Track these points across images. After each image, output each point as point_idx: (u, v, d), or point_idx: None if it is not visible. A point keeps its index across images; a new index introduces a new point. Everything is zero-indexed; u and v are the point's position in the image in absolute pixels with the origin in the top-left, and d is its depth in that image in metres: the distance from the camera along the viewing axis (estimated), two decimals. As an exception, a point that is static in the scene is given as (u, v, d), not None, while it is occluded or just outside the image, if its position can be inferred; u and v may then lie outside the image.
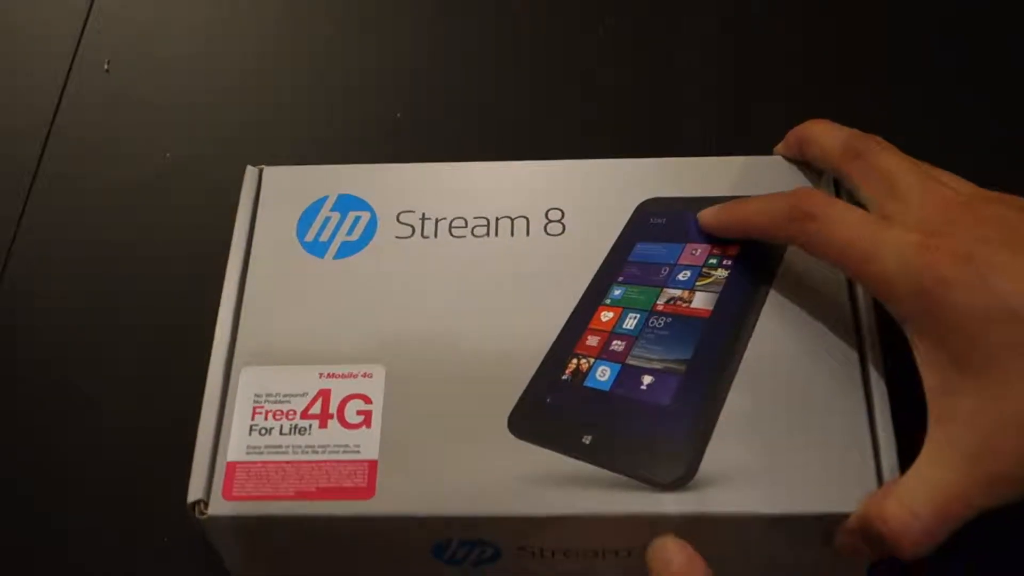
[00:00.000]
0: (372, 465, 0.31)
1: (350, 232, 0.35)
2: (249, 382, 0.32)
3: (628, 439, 0.30)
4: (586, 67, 0.47)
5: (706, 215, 0.34)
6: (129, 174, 0.45)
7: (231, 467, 0.31)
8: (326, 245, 0.35)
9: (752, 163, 0.36)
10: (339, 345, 0.33)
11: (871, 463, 0.30)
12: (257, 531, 0.31)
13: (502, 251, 0.35)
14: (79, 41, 0.49)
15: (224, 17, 0.50)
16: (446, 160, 0.45)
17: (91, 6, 0.50)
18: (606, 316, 0.33)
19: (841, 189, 0.34)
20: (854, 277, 0.31)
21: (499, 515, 0.30)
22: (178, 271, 0.43)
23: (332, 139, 0.46)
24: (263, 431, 0.31)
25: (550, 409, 0.31)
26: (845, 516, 0.29)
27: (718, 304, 0.33)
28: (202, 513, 0.30)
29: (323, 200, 0.36)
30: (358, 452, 0.31)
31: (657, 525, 0.29)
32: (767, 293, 0.33)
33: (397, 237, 0.35)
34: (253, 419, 0.32)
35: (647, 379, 0.31)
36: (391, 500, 0.30)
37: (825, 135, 0.34)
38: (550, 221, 0.35)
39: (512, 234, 0.35)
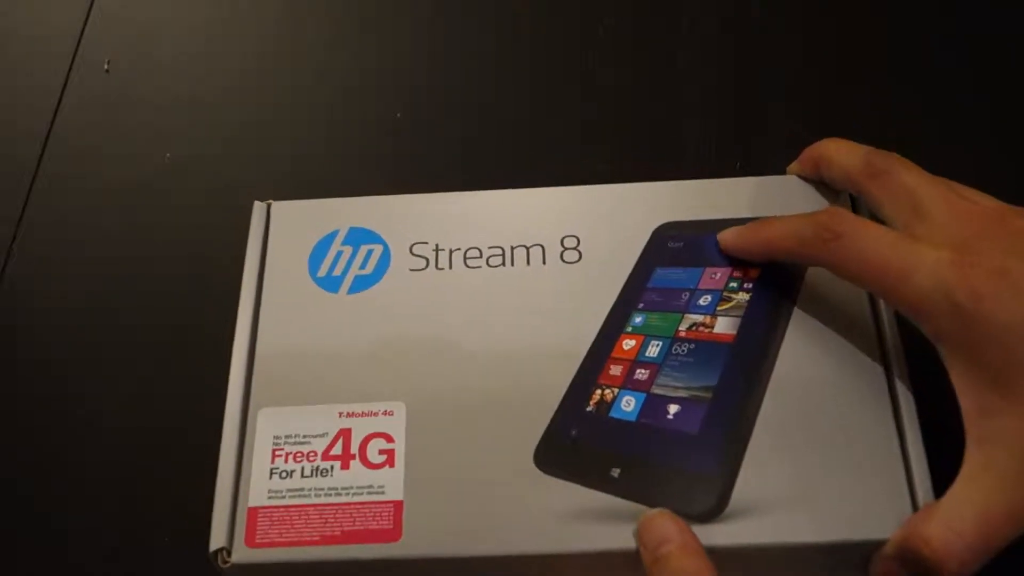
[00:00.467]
0: (398, 506, 0.30)
1: (363, 266, 0.35)
2: (267, 424, 0.32)
3: (657, 471, 0.30)
4: (586, 67, 0.47)
5: (727, 237, 0.34)
6: (129, 174, 0.45)
7: (252, 513, 0.30)
8: (339, 280, 0.35)
9: (767, 183, 0.36)
10: (358, 383, 0.32)
11: (904, 487, 0.29)
12: None
13: (519, 281, 0.34)
14: (79, 41, 0.49)
15: (224, 17, 0.50)
16: (446, 159, 0.45)
17: (91, 6, 0.50)
18: (628, 344, 0.33)
19: (859, 208, 0.34)
20: (885, 297, 0.30)
21: (529, 553, 0.29)
22: (178, 271, 0.43)
23: (332, 139, 0.46)
24: (284, 474, 0.31)
25: (576, 442, 0.31)
26: (881, 543, 0.28)
27: (741, 328, 0.32)
28: (225, 562, 0.30)
29: (334, 234, 0.36)
30: (383, 493, 0.30)
31: None
32: (790, 315, 0.32)
33: (411, 269, 0.35)
34: (273, 462, 0.31)
35: (673, 408, 0.31)
36: (419, 541, 0.30)
37: (843, 153, 0.33)
38: (566, 248, 0.35)
39: (528, 263, 0.35)
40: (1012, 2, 0.47)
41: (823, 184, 0.35)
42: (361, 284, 0.35)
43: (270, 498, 0.31)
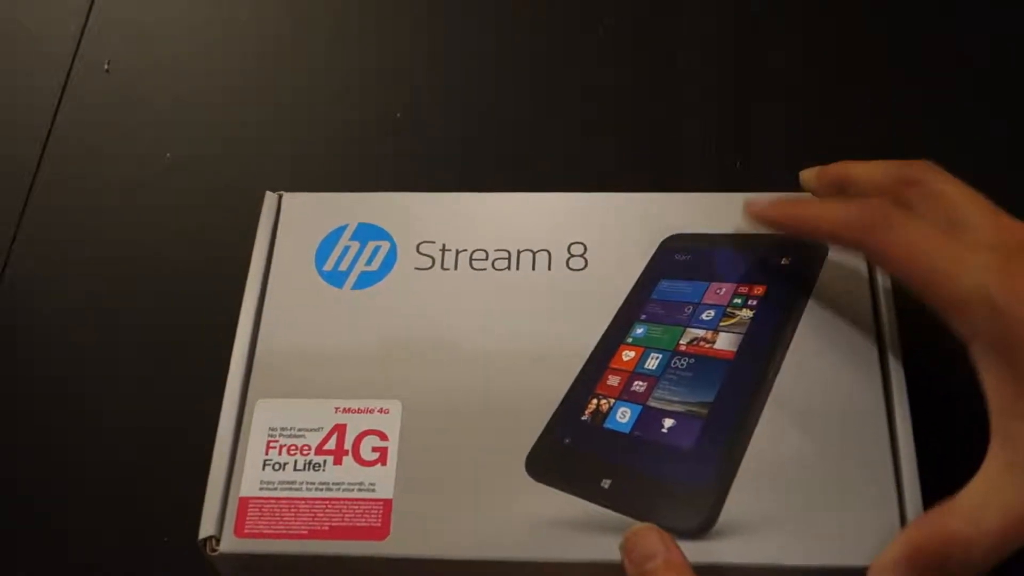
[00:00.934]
0: (387, 504, 0.30)
1: (369, 262, 0.35)
2: (264, 415, 0.32)
3: (648, 484, 0.30)
4: (586, 67, 0.47)
5: (757, 204, 0.33)
6: (129, 174, 0.45)
7: (243, 503, 0.31)
8: (345, 275, 0.35)
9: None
10: (356, 379, 0.33)
11: (896, 515, 0.29)
12: (269, 569, 0.31)
13: (523, 285, 0.34)
14: (79, 41, 0.49)
15: (224, 17, 0.50)
16: (446, 159, 0.45)
17: (91, 6, 0.50)
18: (628, 355, 0.33)
19: None
20: (924, 291, 0.30)
21: (514, 560, 0.29)
22: (178, 271, 0.43)
23: (332, 139, 0.46)
24: (277, 466, 0.31)
25: (569, 451, 0.31)
26: (866, 569, 0.28)
27: (742, 346, 0.32)
28: (213, 550, 0.30)
29: (343, 228, 0.36)
30: (373, 491, 0.31)
31: None
32: (792, 336, 0.32)
33: (417, 268, 0.35)
34: (267, 453, 0.31)
35: (668, 422, 0.31)
36: (405, 541, 0.30)
37: (871, 169, 0.33)
38: (572, 255, 0.35)
39: (533, 268, 0.35)
40: (1012, 2, 0.47)
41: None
42: (366, 280, 0.35)
43: (262, 489, 0.31)
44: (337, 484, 0.31)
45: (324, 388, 0.32)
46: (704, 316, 0.33)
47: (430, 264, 0.35)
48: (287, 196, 0.37)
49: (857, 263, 0.34)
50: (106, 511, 0.37)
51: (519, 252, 0.35)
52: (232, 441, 0.32)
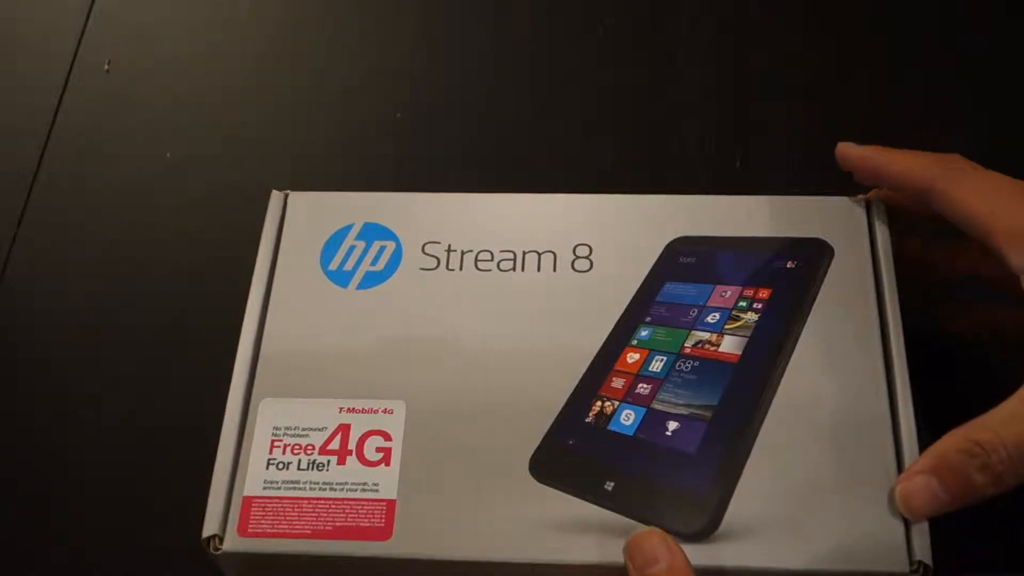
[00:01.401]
0: (390, 505, 0.30)
1: (375, 262, 0.35)
2: (268, 414, 0.32)
3: (651, 487, 0.30)
4: (586, 67, 0.47)
5: (848, 147, 0.34)
6: (129, 174, 0.45)
7: (247, 502, 0.31)
8: (350, 275, 0.35)
9: (786, 203, 0.35)
10: (360, 379, 0.32)
11: (899, 520, 0.29)
12: (271, 569, 0.31)
13: (528, 287, 0.34)
14: (79, 41, 0.49)
15: (224, 17, 0.50)
16: (446, 159, 0.45)
17: (91, 6, 0.50)
18: (632, 358, 0.33)
19: (878, 227, 0.34)
20: (983, 229, 0.30)
21: (517, 561, 0.29)
22: (178, 271, 0.43)
23: (332, 139, 0.46)
24: (281, 465, 0.31)
25: (572, 452, 0.31)
26: (873, 574, 0.28)
27: (747, 349, 0.32)
28: (216, 549, 0.30)
29: (348, 228, 0.36)
30: (376, 491, 0.31)
31: None
32: (797, 340, 0.32)
33: (422, 269, 0.35)
34: (271, 453, 0.31)
35: (672, 425, 0.31)
36: (408, 542, 0.30)
37: (909, 155, 0.34)
38: (577, 257, 0.35)
39: (538, 269, 0.34)
40: (1012, 2, 0.47)
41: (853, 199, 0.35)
42: (371, 280, 0.35)
43: (265, 489, 0.31)
44: (341, 484, 0.31)
45: (328, 388, 0.32)
46: (709, 319, 0.33)
47: (435, 264, 0.35)
48: (293, 195, 0.36)
49: (862, 265, 0.34)
50: (106, 511, 0.37)
51: (524, 253, 0.35)
52: (236, 440, 0.32)
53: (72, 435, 0.39)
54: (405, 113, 0.46)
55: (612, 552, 0.29)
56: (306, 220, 0.36)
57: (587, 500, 0.30)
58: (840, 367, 0.32)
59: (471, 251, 0.35)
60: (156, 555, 0.36)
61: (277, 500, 0.31)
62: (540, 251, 0.35)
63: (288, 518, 0.30)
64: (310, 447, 0.31)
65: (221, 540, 0.30)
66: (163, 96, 0.48)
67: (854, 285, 0.33)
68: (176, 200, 0.45)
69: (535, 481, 0.30)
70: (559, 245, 0.35)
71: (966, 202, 0.31)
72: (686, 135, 0.45)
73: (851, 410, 0.31)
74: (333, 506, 0.30)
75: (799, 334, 0.32)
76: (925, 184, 0.32)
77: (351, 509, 0.30)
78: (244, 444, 0.31)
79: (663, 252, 0.35)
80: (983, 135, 0.44)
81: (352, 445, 0.31)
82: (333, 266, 0.35)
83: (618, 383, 0.32)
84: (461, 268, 0.35)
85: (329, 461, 0.31)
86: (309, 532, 0.30)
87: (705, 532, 0.29)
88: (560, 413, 0.32)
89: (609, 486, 0.30)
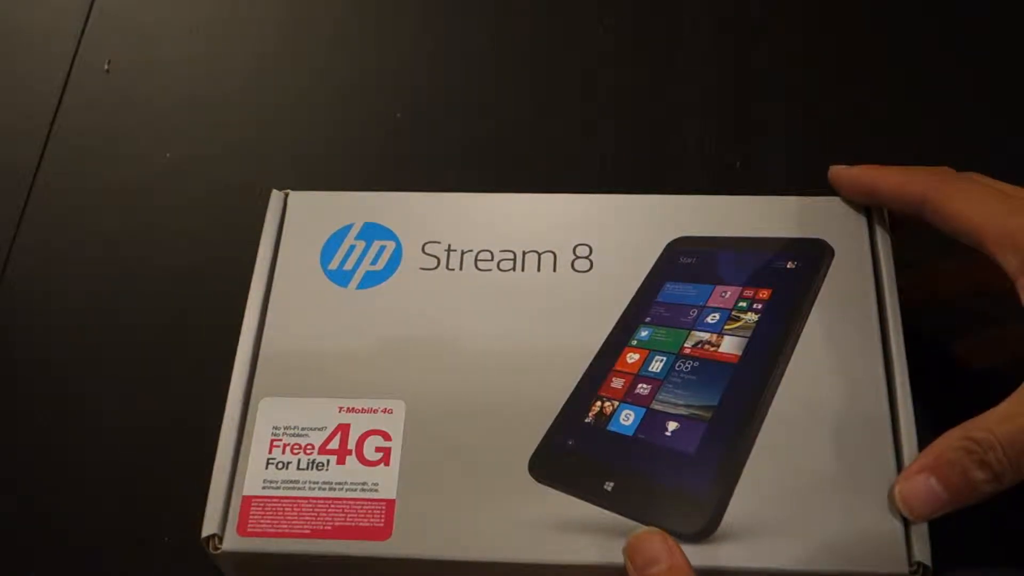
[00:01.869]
0: (390, 504, 0.30)
1: (375, 262, 0.35)
2: (267, 414, 0.32)
3: (650, 487, 0.30)
4: (586, 67, 0.47)
5: (839, 169, 0.35)
6: (129, 174, 0.45)
7: (247, 501, 0.31)
8: (350, 274, 0.35)
9: (785, 203, 0.35)
10: (359, 378, 0.33)
11: (899, 521, 0.29)
12: (271, 569, 0.31)
13: (528, 287, 0.34)
14: (79, 41, 0.49)
15: (224, 17, 0.50)
16: (446, 159, 0.45)
17: (91, 6, 0.50)
18: (632, 358, 0.33)
19: (878, 228, 0.34)
20: (977, 234, 0.31)
21: (516, 562, 0.29)
22: (178, 271, 0.43)
23: (332, 139, 0.46)
24: (280, 465, 0.31)
25: (572, 453, 0.31)
26: (869, 575, 0.28)
27: (747, 349, 0.32)
28: (216, 549, 0.30)
29: (348, 228, 0.36)
30: (376, 490, 0.31)
31: None
32: (797, 340, 0.32)
33: (422, 268, 0.35)
34: (271, 452, 0.31)
35: (672, 425, 0.31)
36: (408, 542, 0.30)
37: (898, 169, 0.34)
38: (577, 257, 0.35)
39: (539, 269, 0.35)
40: (1012, 2, 0.47)
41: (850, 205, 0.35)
42: (371, 280, 0.35)
43: (264, 488, 0.31)
44: (340, 484, 0.31)
45: (328, 387, 0.32)
46: (709, 319, 0.33)
47: (435, 264, 0.35)
48: (293, 195, 0.36)
49: (862, 265, 0.34)
50: (106, 511, 0.37)
51: (524, 253, 0.35)
52: (236, 440, 0.32)
53: (72, 435, 0.39)
54: (405, 113, 0.46)
55: (612, 552, 0.29)
56: (306, 220, 0.36)
57: (587, 500, 0.30)
58: (840, 367, 0.32)
59: (471, 251, 0.35)
60: (156, 555, 0.36)
61: (276, 500, 0.31)
62: (540, 251, 0.35)
63: (287, 518, 0.30)
64: (309, 447, 0.31)
65: (220, 539, 0.30)
66: (163, 96, 0.48)
67: (854, 285, 0.33)
68: (176, 200, 0.45)
69: (535, 481, 0.30)
70: (559, 245, 0.35)
71: (957, 212, 0.31)
72: (686, 135, 0.45)
73: (851, 410, 0.31)
74: (332, 506, 0.30)
75: (799, 334, 0.32)
76: (917, 198, 0.32)
77: (350, 509, 0.30)
78: (244, 443, 0.32)
79: (663, 252, 0.35)
80: (983, 135, 0.44)
81: (352, 445, 0.31)
82: (333, 266, 0.35)
83: (618, 383, 0.32)
84: (461, 268, 0.35)
85: (329, 461, 0.31)
86: (308, 532, 0.30)
87: (705, 532, 0.29)
88: (560, 413, 0.32)
89: (609, 486, 0.30)
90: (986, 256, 0.31)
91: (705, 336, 0.33)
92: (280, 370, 0.33)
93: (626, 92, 0.46)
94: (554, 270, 0.35)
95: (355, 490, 0.31)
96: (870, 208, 0.34)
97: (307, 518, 0.30)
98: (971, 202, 0.31)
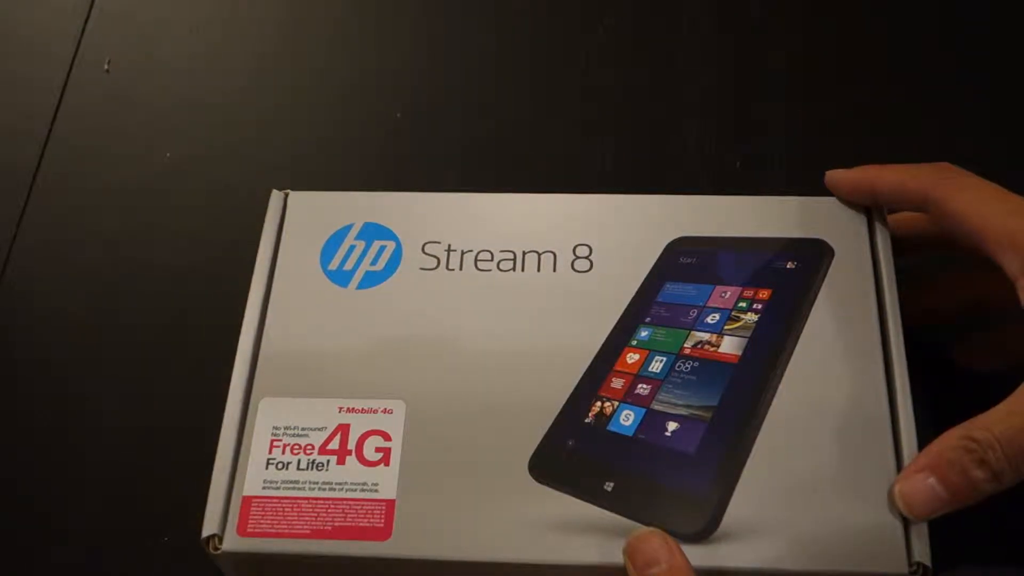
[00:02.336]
0: (390, 505, 0.30)
1: (374, 262, 0.35)
2: (267, 414, 0.32)
3: (650, 488, 0.30)
4: (586, 67, 0.47)
5: (836, 172, 0.35)
6: (129, 174, 0.45)
7: (247, 502, 0.31)
8: (350, 274, 0.35)
9: (785, 203, 0.35)
10: (360, 379, 0.33)
11: (899, 522, 0.29)
12: (271, 569, 0.31)
13: (528, 287, 0.34)
14: (79, 41, 0.49)
15: (224, 17, 0.50)
16: (446, 159, 0.45)
17: (91, 6, 0.50)
18: (632, 358, 0.33)
19: (878, 228, 0.34)
20: (978, 235, 0.31)
21: (516, 562, 0.29)
22: (178, 271, 0.43)
23: (332, 139, 0.46)
24: (280, 465, 0.31)
25: (572, 453, 0.31)
26: (869, 575, 0.28)
27: (747, 350, 0.32)
28: (216, 549, 0.30)
29: (348, 228, 0.36)
30: (376, 491, 0.31)
31: None
32: (797, 340, 0.32)
33: (422, 268, 0.35)
34: (271, 452, 0.31)
35: (672, 425, 0.31)
36: (408, 542, 0.30)
37: (898, 167, 0.34)
38: (577, 257, 0.35)
39: (538, 269, 0.35)
40: (1012, 2, 0.47)
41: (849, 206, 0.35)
42: (371, 280, 0.35)
43: (264, 488, 0.31)
44: (340, 484, 0.31)
45: (328, 388, 0.32)
46: (709, 319, 0.33)
47: (435, 264, 0.35)
48: (293, 195, 0.36)
49: (862, 265, 0.34)
50: (106, 511, 0.37)
51: (524, 253, 0.35)
52: (235, 440, 0.32)
53: (72, 435, 0.39)
54: (405, 113, 0.46)
55: (612, 552, 0.29)
56: (306, 220, 0.36)
57: (587, 500, 0.30)
58: (840, 367, 0.32)
59: (471, 251, 0.35)
60: (156, 555, 0.36)
61: (276, 500, 0.31)
62: (540, 251, 0.35)
63: (287, 518, 0.30)
64: (309, 447, 0.31)
65: (220, 540, 0.30)
66: (163, 96, 0.48)
67: (854, 285, 0.33)
68: (176, 200, 0.45)
69: (535, 481, 0.30)
70: (559, 245, 0.35)
71: (957, 211, 0.31)
72: (686, 135, 0.45)
73: (851, 410, 0.31)
74: (332, 506, 0.30)
75: (799, 334, 0.32)
76: (920, 195, 0.32)
77: (350, 509, 0.30)
78: (244, 444, 0.32)
79: (663, 252, 0.35)
80: (983, 135, 0.44)
81: (352, 445, 0.31)
82: (333, 266, 0.35)
83: (618, 383, 0.32)
84: (461, 268, 0.35)
85: (328, 461, 0.31)
86: (308, 532, 0.30)
87: (705, 532, 0.29)
88: (560, 413, 0.32)
89: (609, 486, 0.30)
90: (985, 270, 0.31)
91: (705, 336, 0.33)
92: (280, 370, 0.33)
93: (626, 92, 0.46)
94: (554, 270, 0.35)
95: (355, 490, 0.31)
96: (870, 208, 0.34)
97: (307, 518, 0.30)
98: (972, 202, 0.31)
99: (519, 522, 0.30)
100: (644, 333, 0.33)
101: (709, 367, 0.32)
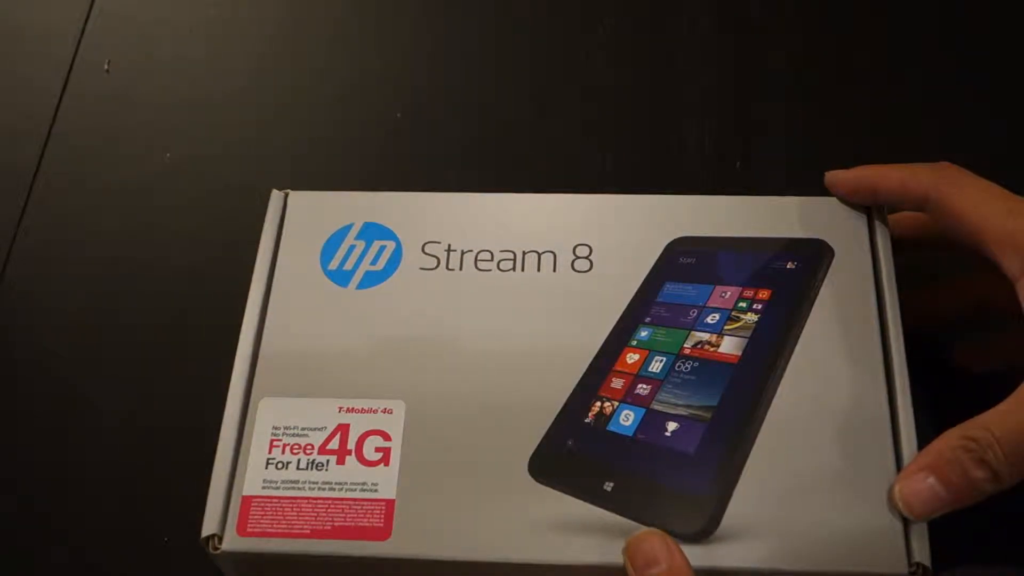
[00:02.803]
0: (389, 505, 0.30)
1: (374, 262, 0.35)
2: (267, 413, 0.32)
3: (650, 488, 0.30)
4: (586, 67, 0.47)
5: (836, 173, 0.35)
6: (129, 174, 0.45)
7: (247, 501, 0.31)
8: (350, 274, 0.35)
9: (785, 203, 0.35)
10: (359, 379, 0.33)
11: (899, 522, 0.29)
12: (270, 568, 0.31)
13: (527, 287, 0.34)
14: (79, 41, 0.49)
15: (224, 17, 0.50)
16: (446, 159, 0.45)
17: (91, 6, 0.50)
18: (632, 358, 0.33)
19: (878, 228, 0.34)
20: (978, 236, 0.31)
21: (515, 562, 0.29)
22: (178, 271, 0.43)
23: (332, 139, 0.46)
24: (280, 465, 0.31)
25: (571, 453, 0.31)
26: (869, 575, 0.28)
27: (747, 350, 0.32)
28: (216, 549, 0.30)
29: (348, 228, 0.36)
30: (376, 490, 0.31)
31: None
32: (797, 340, 0.32)
33: (422, 268, 0.35)
34: (270, 452, 0.31)
35: (672, 426, 0.31)
36: (407, 542, 0.30)
37: (895, 170, 0.34)
38: (577, 257, 0.35)
39: (538, 269, 0.35)
40: (1012, 2, 0.47)
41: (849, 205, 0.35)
42: (371, 280, 0.35)
43: (264, 488, 0.31)
44: (340, 484, 0.31)
45: (328, 388, 0.32)
46: (709, 319, 0.33)
47: (435, 264, 0.35)
48: (293, 195, 0.37)
49: (862, 265, 0.34)
50: (106, 511, 0.37)
51: (524, 253, 0.35)
52: (235, 440, 0.32)
53: (72, 435, 0.39)
54: (405, 113, 0.46)
55: (612, 552, 0.29)
56: (306, 220, 0.36)
57: (586, 500, 0.30)
58: (840, 367, 0.32)
59: (471, 251, 0.35)
60: (156, 555, 0.36)
61: (276, 500, 0.31)
62: (540, 251, 0.35)
63: (287, 518, 0.30)
64: (309, 447, 0.31)
65: (220, 539, 0.30)
66: (163, 96, 0.48)
67: (854, 285, 0.33)
68: (176, 200, 0.45)
69: (534, 481, 0.30)
70: (559, 245, 0.35)
71: (959, 211, 0.31)
72: (686, 135, 0.45)
73: (851, 411, 0.31)
74: (332, 506, 0.30)
75: (799, 335, 0.32)
76: (920, 195, 0.32)
77: (350, 509, 0.30)
78: (243, 443, 0.32)
79: (663, 252, 0.35)
80: (983, 135, 0.44)
81: (351, 445, 0.31)
82: (333, 266, 0.35)
83: (617, 383, 0.32)
84: (461, 268, 0.35)
85: (328, 461, 0.31)
86: (308, 532, 0.30)
87: (704, 533, 0.29)
88: (559, 413, 0.32)
89: (608, 486, 0.30)
90: (985, 270, 0.31)
91: (705, 336, 0.33)
92: (280, 370, 0.33)
93: (626, 92, 0.46)
94: (554, 270, 0.35)
95: (355, 490, 0.31)
96: (870, 208, 0.34)
97: (307, 518, 0.30)
98: (972, 201, 0.31)
99: (519, 522, 0.30)
100: (644, 333, 0.33)
101: (709, 367, 0.32)
